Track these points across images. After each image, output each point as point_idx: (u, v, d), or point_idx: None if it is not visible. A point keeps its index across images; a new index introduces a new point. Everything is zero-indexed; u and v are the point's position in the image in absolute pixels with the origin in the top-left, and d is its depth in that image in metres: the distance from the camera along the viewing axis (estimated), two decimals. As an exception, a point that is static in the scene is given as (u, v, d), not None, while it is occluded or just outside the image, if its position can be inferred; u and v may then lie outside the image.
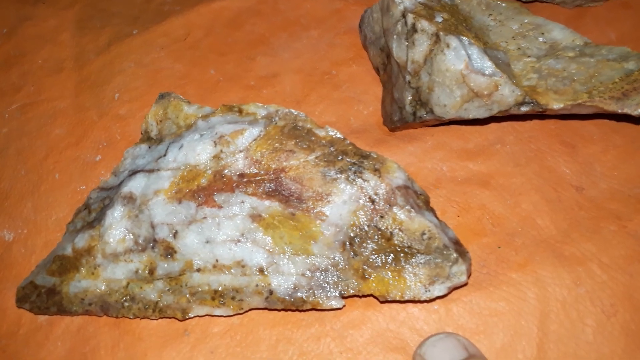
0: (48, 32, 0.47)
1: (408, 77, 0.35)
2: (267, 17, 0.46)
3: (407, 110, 0.35)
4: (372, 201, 0.30)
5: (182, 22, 0.46)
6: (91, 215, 0.33)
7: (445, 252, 0.29)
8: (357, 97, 0.41)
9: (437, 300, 0.31)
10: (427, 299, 0.29)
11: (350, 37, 0.44)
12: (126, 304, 0.30)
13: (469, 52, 0.32)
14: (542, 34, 0.38)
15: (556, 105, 0.32)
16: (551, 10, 0.43)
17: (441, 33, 0.32)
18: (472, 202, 0.35)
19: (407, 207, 0.29)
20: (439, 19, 0.33)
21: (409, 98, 0.35)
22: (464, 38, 0.33)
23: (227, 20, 0.46)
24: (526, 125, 0.39)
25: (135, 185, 0.32)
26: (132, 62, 0.44)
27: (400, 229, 0.29)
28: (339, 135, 0.32)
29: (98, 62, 0.45)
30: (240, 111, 0.33)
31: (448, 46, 0.32)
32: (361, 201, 0.30)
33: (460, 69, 0.32)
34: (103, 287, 0.31)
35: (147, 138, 0.35)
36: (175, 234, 0.30)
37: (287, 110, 0.32)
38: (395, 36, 0.35)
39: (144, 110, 0.41)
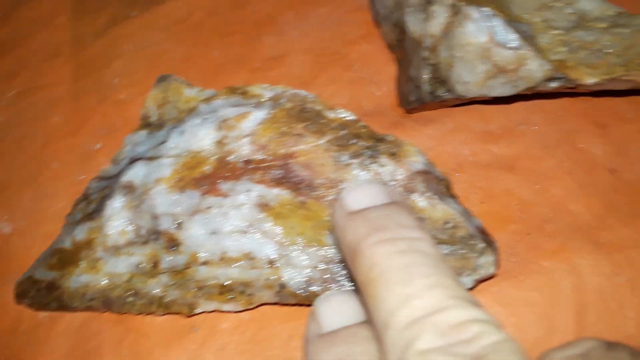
0: (44, 16, 0.45)
1: (425, 53, 0.32)
2: (272, -5, 0.44)
3: (424, 89, 0.33)
4: (390, 187, 0.27)
5: (184, 2, 0.44)
6: (90, 207, 0.31)
7: (470, 242, 0.27)
8: (369, 77, 0.39)
9: (462, 291, 0.29)
10: (451, 293, 0.27)
11: (361, 14, 0.42)
12: (129, 299, 0.29)
13: (492, 23, 0.30)
14: (570, 4, 0.35)
15: (590, 80, 0.30)
16: (578, -21, 0.40)
17: (460, 4, 0.30)
18: (496, 188, 0.33)
19: (428, 194, 0.27)
20: (459, -12, 0.31)
21: (427, 76, 0.32)
22: (485, 9, 0.30)
23: (230, 0, 0.44)
24: (554, 104, 0.36)
25: (135, 174, 0.30)
26: (132, 45, 0.42)
27: (421, 218, 0.27)
28: (351, 117, 0.29)
29: (96, 46, 0.42)
30: (244, 93, 0.31)
31: (469, 18, 0.29)
32: (378, 187, 0.27)
33: (483, 42, 0.29)
34: (105, 282, 0.29)
35: (146, 124, 0.33)
36: (179, 225, 0.28)
37: (294, 91, 0.30)
38: (410, 9, 0.32)
39: (144, 95, 0.38)
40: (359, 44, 0.40)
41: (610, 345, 0.18)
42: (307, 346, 0.22)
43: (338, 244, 0.23)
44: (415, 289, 0.17)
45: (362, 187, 0.22)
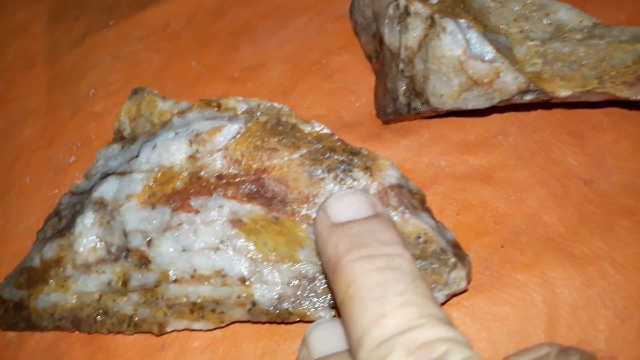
0: (18, 25, 0.44)
1: (401, 65, 0.32)
2: (251, 4, 0.43)
3: (400, 101, 0.33)
4: (363, 202, 0.27)
5: (162, 11, 0.43)
6: (61, 223, 0.31)
7: (442, 257, 0.26)
8: (348, 87, 0.39)
9: (436, 306, 0.29)
10: (424, 308, 0.27)
11: (341, 23, 0.41)
12: (99, 318, 0.28)
13: (467, 36, 0.30)
14: (547, 15, 0.35)
15: (563, 93, 0.30)
16: (556, -12, 0.40)
17: (436, 16, 0.29)
18: (472, 199, 0.33)
19: (400, 209, 0.27)
20: (434, 1, 0.30)
21: (403, 88, 0.32)
22: (462, 21, 0.30)
23: (210, 8, 0.43)
24: (530, 114, 0.36)
25: (107, 190, 0.29)
26: (108, 55, 0.41)
27: None
28: (326, 130, 0.29)
29: (72, 56, 0.42)
30: (219, 106, 0.30)
31: (444, 30, 0.29)
32: (351, 202, 0.27)
33: (457, 55, 0.29)
34: (74, 301, 0.29)
35: (120, 137, 0.32)
36: (149, 242, 0.28)
37: (269, 104, 0.30)
38: (387, 20, 0.32)
39: (120, 107, 0.38)
40: (339, 53, 0.40)
41: (564, 350, 0.18)
42: None
43: (319, 255, 0.23)
44: (389, 307, 0.17)
45: (346, 198, 0.22)
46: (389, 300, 0.18)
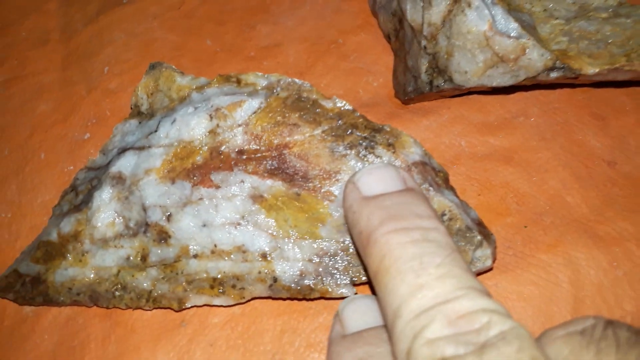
0: (33, 2, 0.44)
1: (424, 42, 0.31)
2: (267, -18, 0.43)
3: (422, 79, 0.32)
4: (386, 179, 0.27)
5: (176, -11, 0.43)
6: (78, 198, 0.31)
7: (467, 235, 0.26)
8: (366, 67, 0.38)
9: (458, 286, 0.28)
10: (448, 286, 0.26)
11: (358, 3, 0.41)
12: (117, 293, 0.28)
13: (493, 12, 0.29)
14: (571, -7, 0.34)
15: (591, 70, 0.29)
16: (579, -31, 0.39)
17: (462, -10, 0.29)
18: (494, 180, 0.32)
19: (424, 186, 0.26)
20: (460, -26, 0.30)
21: (425, 65, 0.32)
22: (487, -4, 0.29)
23: (224, -14, 0.43)
24: (552, 95, 0.35)
25: (125, 164, 0.29)
26: (123, 32, 0.41)
27: None
28: (347, 106, 0.28)
29: (86, 33, 0.41)
30: (238, 81, 0.30)
31: (469, 5, 0.29)
32: (374, 179, 0.27)
33: (483, 31, 0.28)
34: (92, 276, 0.28)
35: (137, 113, 0.32)
36: (168, 217, 0.27)
37: (290, 79, 0.29)
38: (409, -4, 0.31)
39: (135, 84, 0.38)
40: (356, 33, 0.40)
41: (609, 323, 0.18)
42: (331, 346, 0.22)
43: (349, 228, 0.23)
44: (427, 278, 0.17)
45: (377, 171, 0.22)
46: (427, 271, 0.17)
